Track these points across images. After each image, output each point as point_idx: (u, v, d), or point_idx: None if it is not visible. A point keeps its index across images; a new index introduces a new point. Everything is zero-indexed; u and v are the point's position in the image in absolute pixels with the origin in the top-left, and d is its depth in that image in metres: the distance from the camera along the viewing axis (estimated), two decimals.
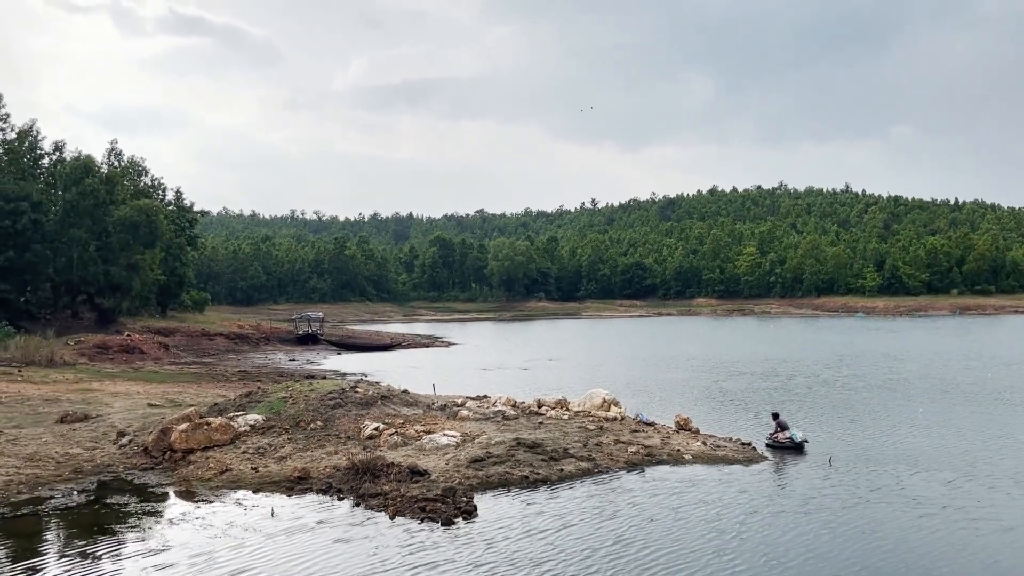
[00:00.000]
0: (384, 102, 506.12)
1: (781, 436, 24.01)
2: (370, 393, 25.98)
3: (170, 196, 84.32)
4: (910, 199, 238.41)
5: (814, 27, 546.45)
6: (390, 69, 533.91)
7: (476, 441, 21.92)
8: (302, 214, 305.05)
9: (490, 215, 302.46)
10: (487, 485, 18.67)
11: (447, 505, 16.51)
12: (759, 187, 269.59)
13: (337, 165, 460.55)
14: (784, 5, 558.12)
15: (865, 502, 17.88)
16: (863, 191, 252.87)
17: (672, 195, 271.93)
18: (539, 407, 28.19)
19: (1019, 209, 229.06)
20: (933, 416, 29.54)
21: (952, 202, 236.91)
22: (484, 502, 17.38)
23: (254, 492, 18.23)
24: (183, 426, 21.38)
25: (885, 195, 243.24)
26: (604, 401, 28.58)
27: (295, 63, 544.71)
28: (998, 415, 29.93)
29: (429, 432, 22.65)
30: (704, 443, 23.69)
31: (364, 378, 39.53)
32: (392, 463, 18.87)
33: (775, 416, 25.11)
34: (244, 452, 20.89)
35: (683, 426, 25.86)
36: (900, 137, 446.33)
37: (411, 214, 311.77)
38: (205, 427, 21.51)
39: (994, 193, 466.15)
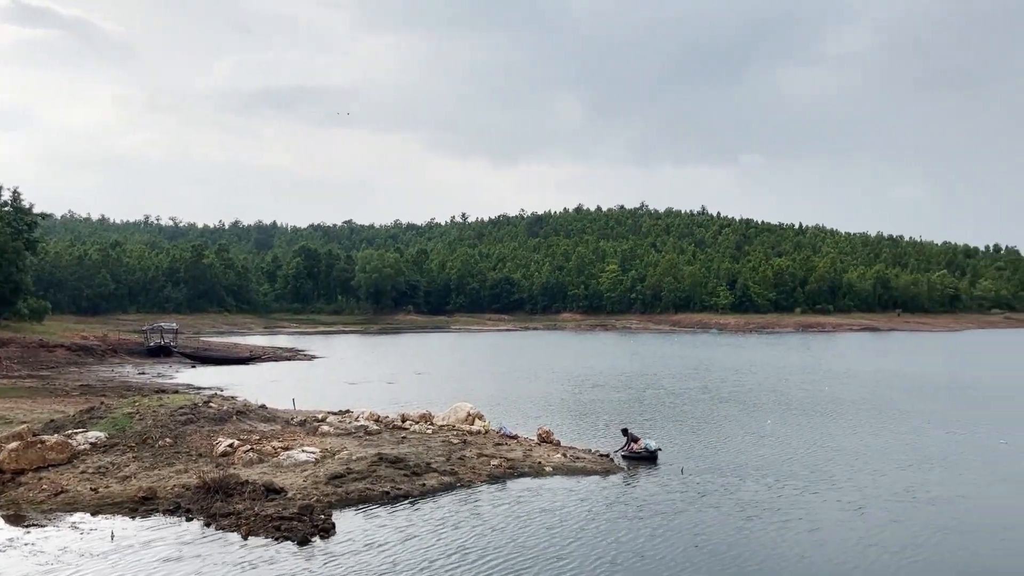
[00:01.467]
0: (250, 107, 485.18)
1: (636, 447, 24.96)
2: (225, 408, 24.98)
3: (6, 196, 77.99)
4: (760, 222, 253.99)
5: (675, 58, 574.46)
6: (258, 74, 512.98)
7: (337, 457, 21.50)
8: (157, 220, 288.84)
9: (359, 226, 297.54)
10: (347, 502, 18.37)
11: (304, 523, 16.10)
12: (622, 207, 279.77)
13: (198, 170, 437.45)
14: (648, 36, 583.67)
15: (698, 507, 19.16)
16: (718, 213, 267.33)
17: (540, 212, 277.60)
18: (403, 421, 27.99)
19: (855, 234, 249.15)
20: (778, 427, 31.58)
21: (797, 226, 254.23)
22: (343, 519, 17.09)
23: (93, 515, 17.09)
24: (13, 445, 19.77)
25: (738, 218, 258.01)
26: (469, 415, 28.74)
27: (154, 62, 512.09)
28: (828, 425, 32.37)
29: (287, 448, 22.01)
30: (564, 455, 24.27)
31: (219, 392, 37.88)
32: (247, 481, 18.21)
33: (624, 431, 26.09)
34: (83, 472, 19.55)
35: (545, 439, 26.38)
36: (750, 164, 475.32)
37: (275, 223, 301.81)
38: (39, 446, 19.99)
39: (834, 219, 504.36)
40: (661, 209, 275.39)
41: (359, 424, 26.28)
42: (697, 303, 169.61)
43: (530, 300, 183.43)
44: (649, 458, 24.55)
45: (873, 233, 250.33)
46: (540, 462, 23.06)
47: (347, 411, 30.58)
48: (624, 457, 24.81)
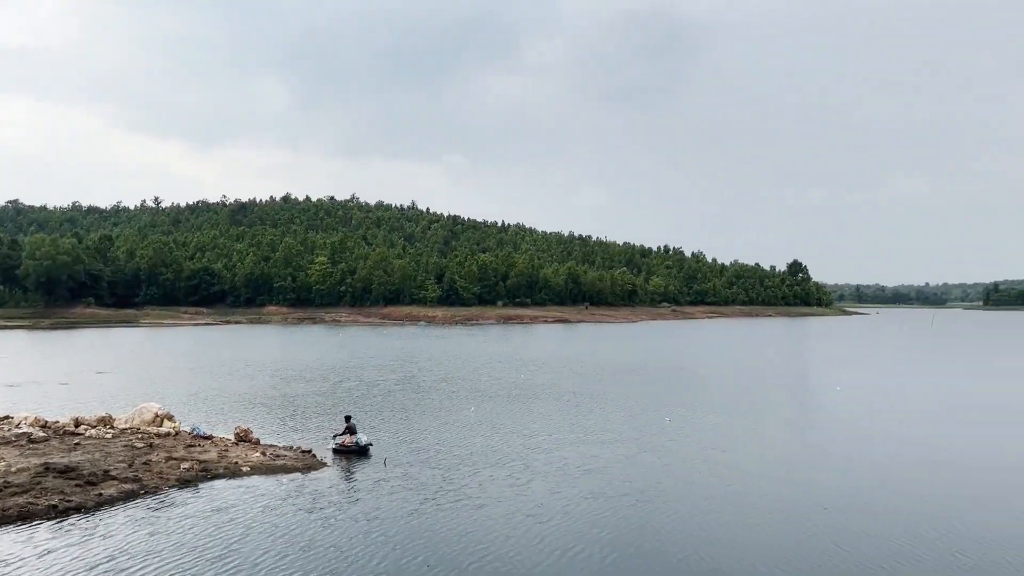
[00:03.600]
0: None
1: (347, 441, 24.97)
2: None
3: None
4: (466, 219, 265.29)
5: (386, 54, 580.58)
6: None
7: None
8: None
9: (27, 207, 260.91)
10: (3, 520, 16.31)
11: None
12: (332, 198, 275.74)
13: None
14: (358, 30, 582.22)
15: (377, 495, 20.06)
16: (427, 209, 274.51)
17: (244, 199, 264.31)
18: (77, 426, 25.41)
19: (550, 233, 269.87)
20: (479, 413, 33.35)
21: (500, 224, 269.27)
22: None
23: None
24: None
25: (446, 214, 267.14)
26: (157, 415, 26.87)
27: None
28: (518, 409, 35.21)
29: None
30: (264, 453, 23.61)
31: None
32: None
33: (347, 418, 26.07)
34: None
35: (243, 437, 25.46)
36: (454, 164, 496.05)
37: None
38: None
39: (532, 218, 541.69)
40: (372, 202, 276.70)
41: (20, 431, 23.38)
42: (407, 296, 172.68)
43: (232, 292, 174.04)
44: (360, 452, 24.71)
45: (566, 233, 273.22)
46: (237, 462, 22.23)
47: (5, 417, 27.02)
48: (335, 451, 24.70)
